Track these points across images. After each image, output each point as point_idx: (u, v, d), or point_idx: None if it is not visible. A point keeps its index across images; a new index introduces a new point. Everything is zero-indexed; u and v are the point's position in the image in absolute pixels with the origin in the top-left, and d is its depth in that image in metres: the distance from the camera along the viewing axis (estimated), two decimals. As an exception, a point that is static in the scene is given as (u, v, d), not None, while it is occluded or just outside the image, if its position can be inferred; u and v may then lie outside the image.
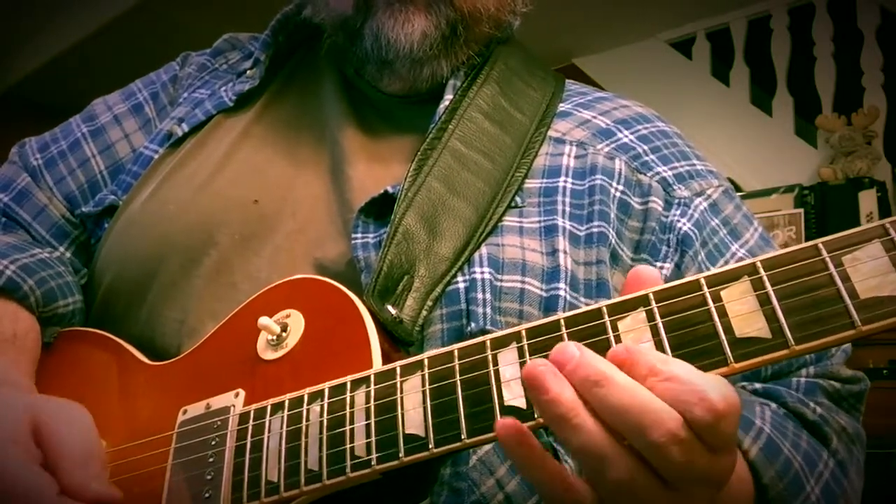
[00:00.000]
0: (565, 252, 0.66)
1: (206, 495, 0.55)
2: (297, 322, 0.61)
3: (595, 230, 0.67)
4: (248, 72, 0.83)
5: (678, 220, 0.70)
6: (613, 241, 0.68)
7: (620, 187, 0.70)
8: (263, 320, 0.60)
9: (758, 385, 0.66)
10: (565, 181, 0.71)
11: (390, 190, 0.67)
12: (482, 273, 0.64)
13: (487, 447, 0.59)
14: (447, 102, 0.73)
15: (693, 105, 3.42)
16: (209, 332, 0.66)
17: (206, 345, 0.65)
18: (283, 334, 0.60)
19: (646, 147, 0.74)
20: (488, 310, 0.62)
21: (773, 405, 0.64)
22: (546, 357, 0.44)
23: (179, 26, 3.53)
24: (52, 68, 4.02)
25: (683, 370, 0.42)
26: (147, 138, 0.82)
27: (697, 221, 0.71)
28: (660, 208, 0.70)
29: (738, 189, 3.11)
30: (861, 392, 0.69)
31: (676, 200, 0.71)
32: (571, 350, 0.43)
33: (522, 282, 0.64)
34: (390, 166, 0.73)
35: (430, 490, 0.58)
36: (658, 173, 0.72)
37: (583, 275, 0.66)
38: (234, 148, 0.77)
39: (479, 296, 0.62)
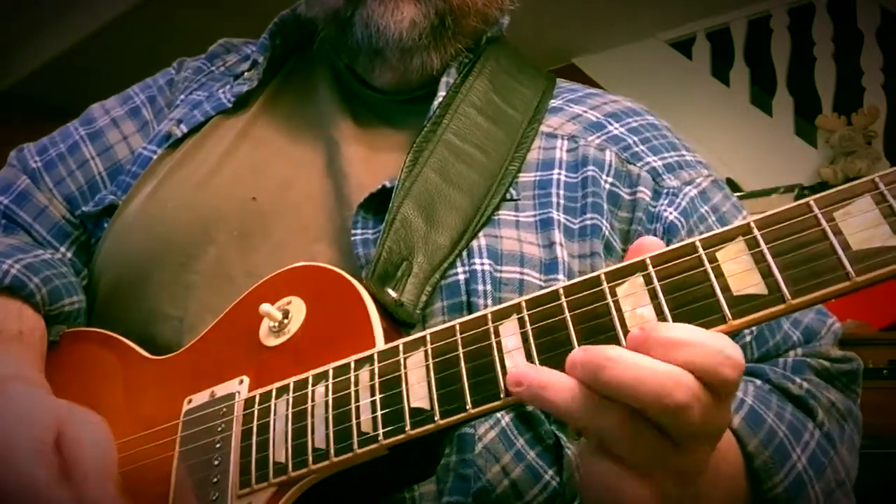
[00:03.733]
0: (561, 245, 0.67)
1: (215, 480, 0.56)
2: (298, 308, 0.61)
3: (589, 222, 0.69)
4: (246, 73, 0.85)
5: (665, 210, 0.71)
6: (607, 232, 0.69)
7: (610, 179, 0.72)
8: (265, 307, 0.60)
9: None
10: (559, 173, 0.72)
11: (388, 185, 0.68)
12: (482, 264, 0.65)
13: (492, 435, 0.61)
14: (441, 98, 0.74)
15: (693, 105, 3.42)
16: (210, 326, 0.66)
17: (208, 336, 0.65)
18: (285, 321, 0.61)
19: (636, 138, 0.76)
20: (489, 301, 0.63)
21: (758, 381, 0.65)
22: (546, 326, 0.47)
23: (179, 26, 3.53)
24: (52, 68, 4.02)
25: (697, 334, 0.43)
26: (145, 140, 0.83)
27: (685, 210, 0.72)
28: (647, 198, 0.71)
29: (737, 189, 3.12)
30: (853, 371, 0.70)
31: (665, 190, 0.72)
32: (576, 353, 0.44)
33: (521, 273, 0.65)
34: (386, 162, 0.73)
35: (435, 470, 0.58)
36: (648, 163, 0.74)
37: (578, 267, 0.68)
38: (232, 147, 0.78)
39: (480, 287, 0.63)
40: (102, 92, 0.91)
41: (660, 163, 0.74)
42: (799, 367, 0.67)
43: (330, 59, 0.84)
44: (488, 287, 0.64)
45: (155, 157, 0.80)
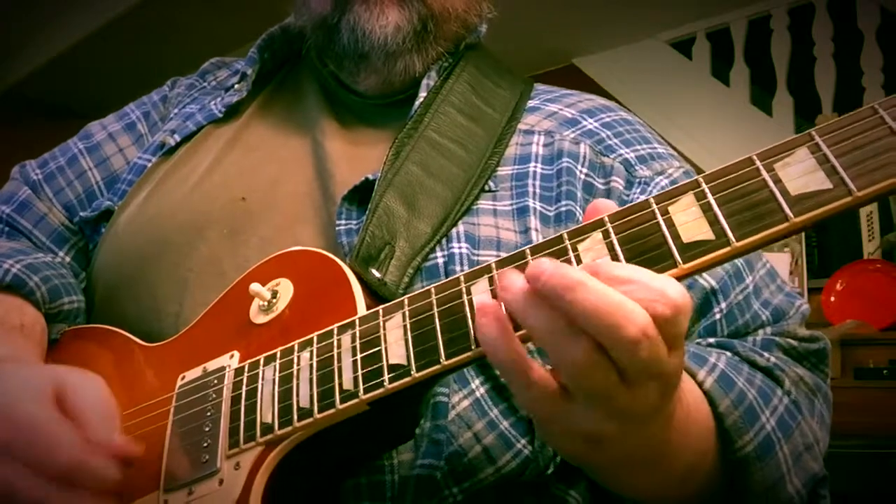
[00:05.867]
0: (536, 230, 0.70)
1: (205, 444, 0.59)
2: (286, 288, 0.64)
3: (563, 209, 0.72)
4: (236, 85, 0.90)
5: (638, 198, 0.74)
6: (581, 218, 0.71)
7: (585, 170, 0.75)
8: (254, 286, 0.64)
9: (712, 340, 0.70)
10: (535, 166, 0.75)
11: (370, 177, 0.71)
12: (460, 248, 0.68)
13: (466, 404, 0.63)
14: (422, 98, 0.78)
15: (693, 105, 3.42)
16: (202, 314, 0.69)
17: (202, 321, 0.69)
18: (273, 300, 0.64)
19: (609, 132, 0.79)
20: None
21: (728, 353, 0.68)
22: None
23: (179, 26, 3.54)
24: (52, 68, 4.02)
25: (642, 274, 0.45)
26: (140, 151, 0.88)
27: None
28: (621, 187, 0.74)
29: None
30: (820, 350, 0.72)
31: (637, 180, 0.75)
32: (544, 263, 0.44)
33: (497, 256, 0.68)
34: (368, 158, 0.77)
35: (414, 432, 0.61)
36: (620, 155, 0.77)
37: None
38: (223, 153, 0.82)
39: (458, 268, 0.66)
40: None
41: (632, 154, 0.77)
42: (767, 345, 0.69)
43: (316, 69, 0.88)
44: (465, 268, 0.66)
45: (149, 164, 0.84)
